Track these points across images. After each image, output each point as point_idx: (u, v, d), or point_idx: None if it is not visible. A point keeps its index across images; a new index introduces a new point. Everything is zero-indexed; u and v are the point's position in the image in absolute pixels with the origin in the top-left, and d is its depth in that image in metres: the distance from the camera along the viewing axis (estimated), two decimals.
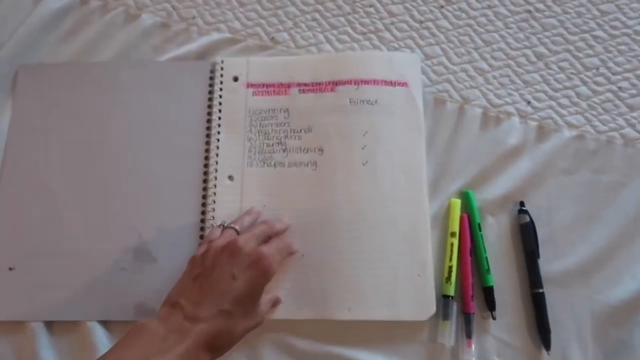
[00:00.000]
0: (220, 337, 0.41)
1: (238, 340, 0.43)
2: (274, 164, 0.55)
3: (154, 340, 0.39)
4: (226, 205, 0.53)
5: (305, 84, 0.57)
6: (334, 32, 0.61)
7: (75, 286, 0.51)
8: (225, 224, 0.50)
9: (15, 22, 0.60)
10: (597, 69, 0.59)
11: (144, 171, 0.55)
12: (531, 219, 0.53)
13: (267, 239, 0.49)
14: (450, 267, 0.51)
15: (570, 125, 0.57)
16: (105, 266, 0.52)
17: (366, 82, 0.56)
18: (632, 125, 0.56)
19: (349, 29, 0.61)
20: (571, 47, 0.60)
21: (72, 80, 0.58)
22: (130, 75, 0.58)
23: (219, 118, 0.56)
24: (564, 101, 0.58)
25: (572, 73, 0.59)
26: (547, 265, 0.52)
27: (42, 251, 0.52)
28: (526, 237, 0.52)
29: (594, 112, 0.57)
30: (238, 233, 0.48)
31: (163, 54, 0.60)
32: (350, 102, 0.56)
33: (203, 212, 0.53)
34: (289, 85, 0.57)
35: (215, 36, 0.60)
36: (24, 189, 0.55)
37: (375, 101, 0.55)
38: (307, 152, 0.55)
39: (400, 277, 0.50)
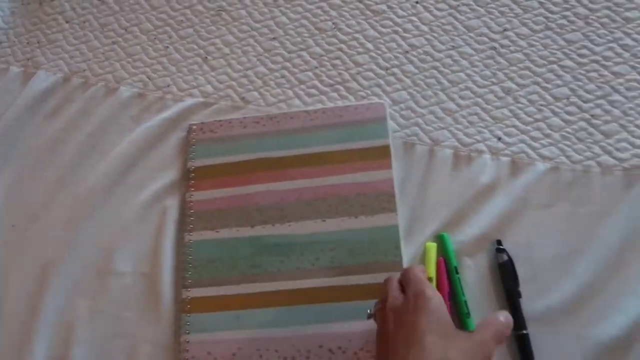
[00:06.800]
0: None
1: None
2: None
3: None
4: None
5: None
6: (302, 86, 0.62)
7: None
8: None
9: (3, 106, 0.64)
10: (568, 98, 0.58)
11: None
12: (509, 257, 0.51)
13: None
14: None
15: (544, 158, 0.56)
16: None
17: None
18: (609, 152, 0.55)
19: (316, 82, 0.62)
20: (539, 79, 0.59)
21: None
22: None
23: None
24: (536, 134, 0.57)
25: (542, 105, 0.58)
26: (531, 305, 0.50)
27: None
28: (505, 277, 0.51)
29: (567, 143, 0.56)
30: None
31: (140, 123, 0.62)
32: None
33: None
34: None
35: (189, 101, 0.63)
36: None
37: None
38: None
39: None
